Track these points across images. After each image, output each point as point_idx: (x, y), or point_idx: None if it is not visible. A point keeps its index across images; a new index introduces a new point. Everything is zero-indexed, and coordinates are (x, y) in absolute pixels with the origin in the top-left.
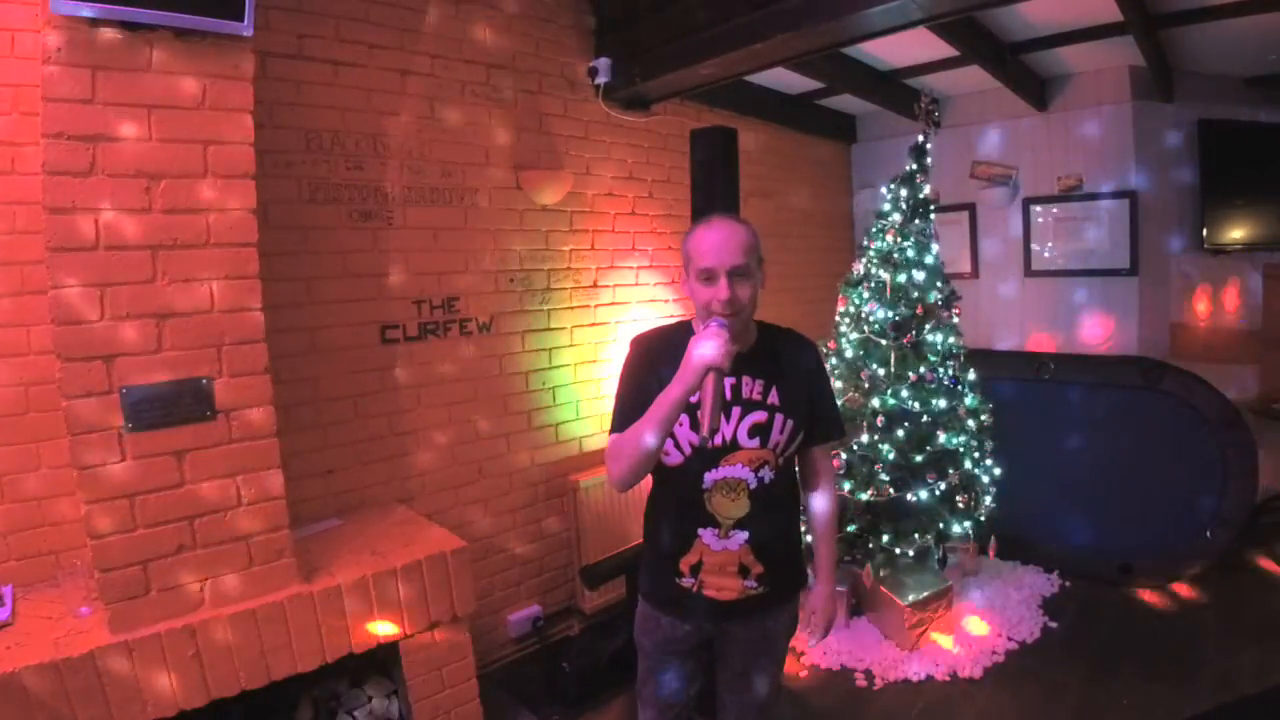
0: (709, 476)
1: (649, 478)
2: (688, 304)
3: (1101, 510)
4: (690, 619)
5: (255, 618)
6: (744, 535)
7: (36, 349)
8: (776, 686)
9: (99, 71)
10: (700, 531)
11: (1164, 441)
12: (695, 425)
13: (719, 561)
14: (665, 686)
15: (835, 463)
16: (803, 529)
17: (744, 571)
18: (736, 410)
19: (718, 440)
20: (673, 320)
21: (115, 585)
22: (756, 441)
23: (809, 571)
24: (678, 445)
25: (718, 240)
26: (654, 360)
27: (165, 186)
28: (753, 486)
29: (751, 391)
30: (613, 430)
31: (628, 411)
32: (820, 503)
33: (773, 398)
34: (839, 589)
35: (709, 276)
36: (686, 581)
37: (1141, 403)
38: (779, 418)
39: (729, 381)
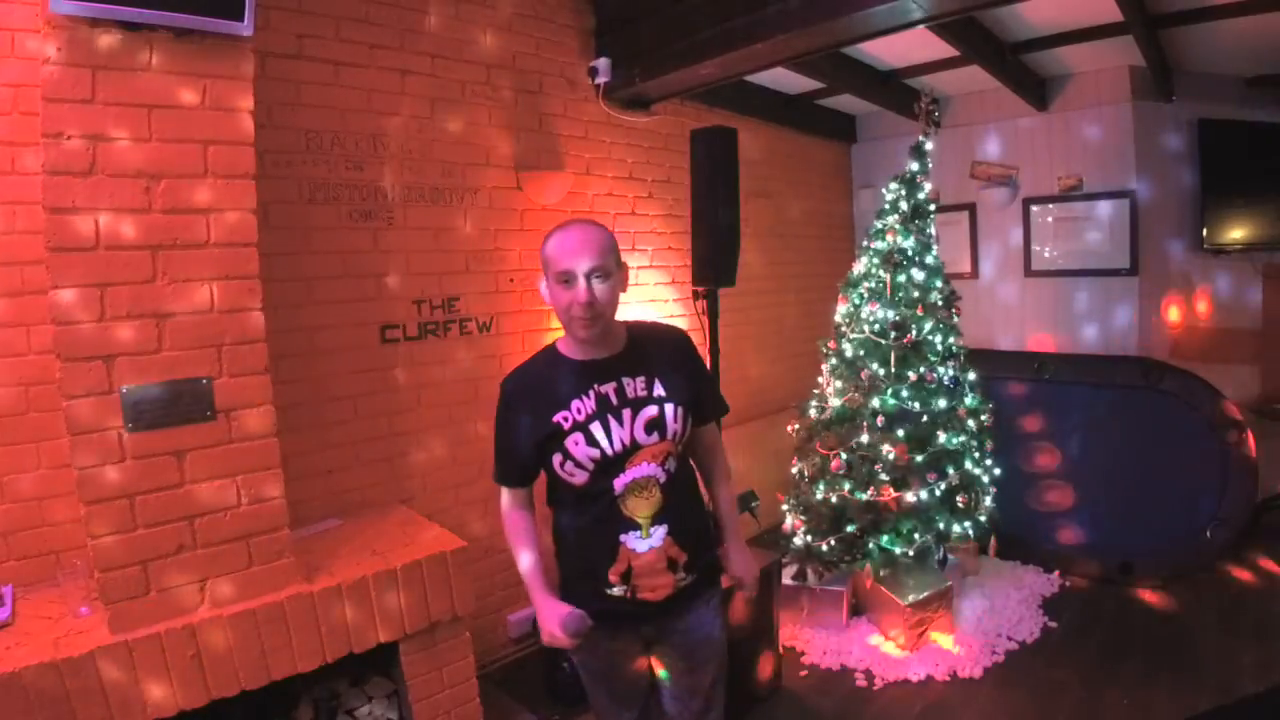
0: (618, 483)
1: (545, 495)
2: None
3: (1101, 510)
4: (628, 626)
5: (255, 618)
6: (664, 529)
7: (36, 349)
8: (722, 674)
9: (99, 71)
10: (622, 538)
11: (1164, 441)
12: (592, 441)
13: (647, 562)
14: (618, 698)
15: (720, 439)
16: None
17: (672, 565)
18: (627, 412)
19: (617, 446)
20: (544, 346)
21: (115, 585)
22: (655, 436)
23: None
24: (580, 465)
25: (575, 242)
26: (523, 403)
27: (165, 186)
28: (662, 480)
29: (635, 390)
30: (500, 478)
31: (504, 460)
32: (718, 479)
33: (658, 390)
34: (838, 589)
35: (567, 279)
36: (618, 591)
37: (1141, 403)
38: (669, 407)
39: (611, 387)
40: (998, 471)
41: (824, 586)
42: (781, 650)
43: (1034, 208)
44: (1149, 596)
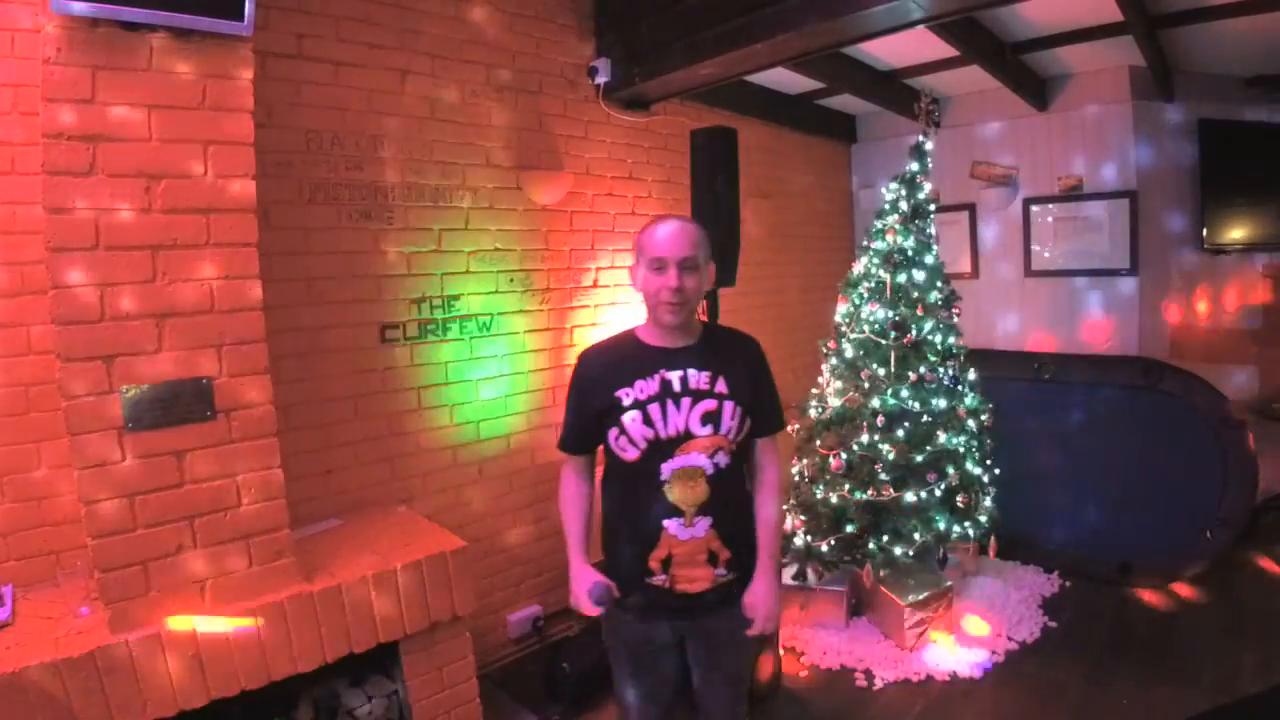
0: (666, 467)
1: (600, 480)
2: None
3: (1101, 510)
4: (664, 617)
5: (255, 618)
6: (708, 520)
7: (36, 349)
8: (749, 677)
9: (99, 71)
10: (665, 523)
11: (1164, 441)
12: (648, 421)
13: (688, 551)
14: (646, 689)
15: (778, 460)
16: None
17: (713, 559)
18: (686, 400)
19: (671, 430)
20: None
21: (115, 585)
22: (709, 429)
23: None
24: (633, 442)
25: (671, 233)
26: (592, 374)
27: (165, 186)
28: (709, 473)
29: (699, 382)
30: (562, 443)
31: (574, 430)
32: (765, 495)
33: (720, 386)
34: (838, 589)
35: (660, 266)
36: (658, 579)
37: (1141, 403)
38: (728, 405)
39: (677, 375)
40: (998, 471)
41: (824, 586)
42: (781, 650)
43: (1034, 208)
44: (1149, 596)
